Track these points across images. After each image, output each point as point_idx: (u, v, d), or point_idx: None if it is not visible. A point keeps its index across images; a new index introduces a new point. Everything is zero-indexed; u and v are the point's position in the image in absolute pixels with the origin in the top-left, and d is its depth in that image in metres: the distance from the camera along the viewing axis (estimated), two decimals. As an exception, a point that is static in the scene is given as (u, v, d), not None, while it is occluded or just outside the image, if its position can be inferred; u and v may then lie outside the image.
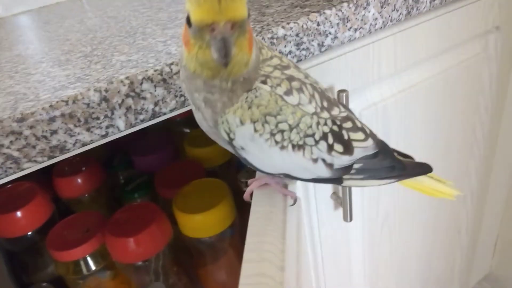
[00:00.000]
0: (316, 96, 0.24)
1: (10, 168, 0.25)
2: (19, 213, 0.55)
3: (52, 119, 0.25)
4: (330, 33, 0.35)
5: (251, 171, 0.50)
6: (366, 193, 0.49)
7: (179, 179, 0.60)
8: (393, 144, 0.49)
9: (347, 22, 0.35)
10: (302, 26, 0.33)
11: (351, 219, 0.44)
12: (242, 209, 0.54)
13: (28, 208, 0.55)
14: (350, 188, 0.43)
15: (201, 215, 0.50)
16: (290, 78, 0.23)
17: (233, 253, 0.57)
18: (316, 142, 0.23)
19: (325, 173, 0.24)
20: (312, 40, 0.34)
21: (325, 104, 0.24)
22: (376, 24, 0.37)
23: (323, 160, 0.24)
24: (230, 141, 0.23)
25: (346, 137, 0.24)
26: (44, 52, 0.39)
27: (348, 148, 0.24)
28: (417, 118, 0.50)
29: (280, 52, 0.33)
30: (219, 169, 0.67)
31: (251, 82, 0.22)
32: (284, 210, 0.23)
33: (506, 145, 0.68)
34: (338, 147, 0.24)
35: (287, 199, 0.25)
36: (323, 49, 0.35)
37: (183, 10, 0.45)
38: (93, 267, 0.54)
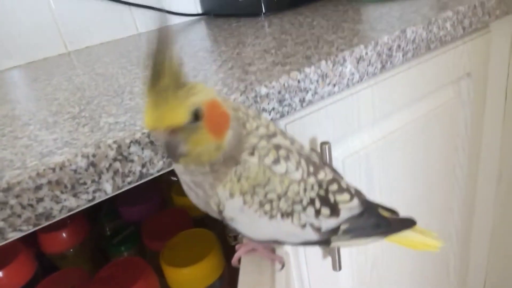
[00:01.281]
0: (303, 162, 0.24)
1: (-6, 239, 0.25)
2: (0, 273, 0.53)
3: (38, 187, 0.25)
4: (310, 89, 0.36)
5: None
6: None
7: (166, 230, 0.60)
8: (376, 189, 0.50)
9: (326, 78, 0.37)
10: (284, 84, 0.35)
11: (340, 268, 0.44)
12: (231, 258, 0.53)
13: (10, 268, 0.53)
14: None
15: (189, 268, 0.50)
16: (277, 147, 0.24)
17: (222, 305, 0.56)
18: (304, 208, 0.24)
19: (313, 236, 0.25)
20: (294, 97, 0.36)
21: (311, 169, 0.25)
22: (353, 78, 0.39)
23: (311, 225, 0.24)
24: (220, 212, 0.23)
25: (332, 200, 0.25)
26: (31, 113, 0.39)
27: (334, 210, 0.25)
28: (398, 162, 0.52)
29: (264, 109, 0.34)
30: (206, 217, 0.66)
31: (235, 157, 0.22)
32: (272, 276, 0.23)
33: (485, 184, 0.70)
34: (325, 210, 0.24)
35: (275, 264, 0.25)
36: (304, 104, 0.37)
37: (168, 67, 0.47)
38: (77, 328, 0.52)
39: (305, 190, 0.24)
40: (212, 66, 0.43)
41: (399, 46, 0.42)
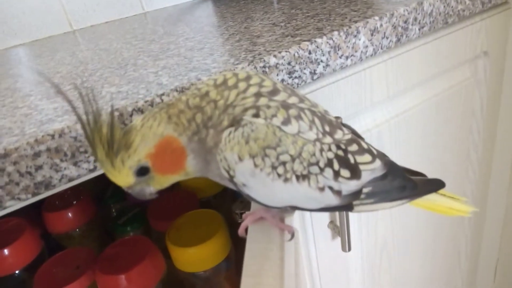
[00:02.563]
0: (317, 121, 0.23)
1: (-8, 206, 0.24)
2: (6, 251, 0.52)
3: (37, 154, 0.24)
4: (321, 61, 0.35)
5: (246, 202, 0.49)
6: (363, 221, 0.48)
7: (172, 211, 0.59)
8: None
9: (338, 50, 0.35)
10: (294, 54, 0.33)
11: (349, 249, 0.43)
12: (238, 241, 0.52)
13: (16, 246, 0.53)
14: (347, 216, 0.42)
15: (195, 248, 0.49)
16: (286, 106, 0.22)
17: (228, 287, 0.55)
18: (321, 169, 0.22)
19: (334, 201, 0.23)
20: (304, 68, 0.34)
21: (327, 128, 0.23)
22: (367, 51, 0.38)
23: (330, 188, 0.23)
24: (231, 178, 0.22)
25: (352, 161, 0.23)
26: (33, 85, 0.38)
27: (355, 172, 0.23)
28: (411, 142, 0.50)
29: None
30: (213, 199, 0.65)
31: (216, 145, 0.22)
32: (281, 246, 0.22)
33: (500, 167, 0.68)
34: (345, 172, 0.23)
35: (284, 234, 0.23)
36: (315, 77, 0.35)
37: (174, 41, 0.45)
38: (83, 307, 0.51)
39: (321, 150, 0.22)
40: (219, 39, 0.42)
41: (415, 19, 0.40)
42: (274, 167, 0.21)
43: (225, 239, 0.51)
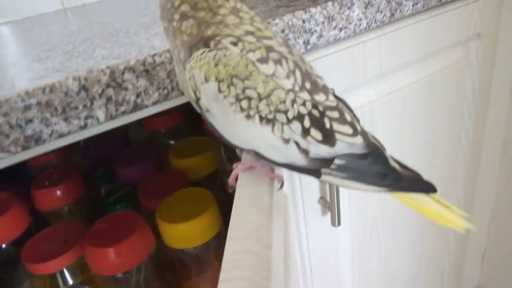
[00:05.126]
0: (298, 73, 0.22)
1: (-19, 159, 0.24)
2: (-9, 224, 0.52)
3: (27, 107, 0.24)
4: (315, 31, 0.35)
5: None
6: (353, 198, 0.48)
7: (163, 190, 0.59)
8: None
9: (332, 21, 0.35)
10: (288, 22, 0.33)
11: (339, 224, 0.43)
12: (227, 220, 0.52)
13: (2, 219, 0.53)
14: (338, 191, 0.42)
15: (185, 224, 0.49)
16: (269, 48, 0.22)
17: (218, 265, 0.55)
18: (289, 120, 0.22)
19: (299, 159, 0.22)
20: (298, 37, 0.34)
21: (308, 86, 0.23)
22: (360, 24, 0.38)
23: (296, 144, 0.22)
24: (197, 100, 0.22)
25: (328, 126, 0.23)
26: (25, 52, 0.38)
27: (328, 138, 0.22)
28: (403, 122, 0.51)
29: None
30: (204, 180, 0.65)
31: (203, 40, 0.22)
32: (270, 193, 0.22)
33: (490, 152, 0.69)
34: (316, 133, 0.22)
35: (273, 183, 0.23)
36: (308, 47, 0.35)
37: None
38: (70, 281, 0.51)
39: (293, 101, 0.22)
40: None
41: (409, -7, 0.40)
42: (238, 99, 0.21)
43: (215, 217, 0.51)
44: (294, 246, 0.43)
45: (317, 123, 0.22)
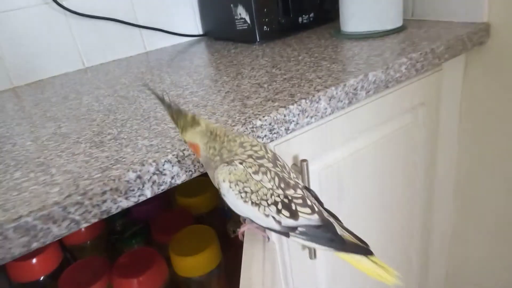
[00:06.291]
0: (276, 179, 0.36)
1: (72, 228, 0.36)
2: (34, 260, 0.64)
3: (104, 193, 0.37)
4: (293, 120, 0.49)
5: (237, 221, 0.62)
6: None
7: (172, 225, 0.71)
8: (346, 196, 0.63)
9: (305, 112, 0.49)
10: (273, 117, 0.47)
11: (315, 257, 0.57)
12: (227, 251, 0.65)
13: (42, 256, 0.64)
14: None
15: (193, 257, 0.61)
16: (260, 165, 0.36)
17: (219, 290, 0.68)
18: (268, 204, 0.35)
19: (275, 226, 0.36)
20: (281, 127, 0.48)
21: (282, 185, 0.36)
22: (326, 112, 0.52)
23: (273, 217, 0.35)
24: (219, 189, 0.36)
25: (294, 208, 0.36)
26: (77, 132, 0.50)
27: (294, 215, 0.35)
28: (365, 174, 0.64)
29: (258, 137, 0.46)
30: (206, 215, 0.78)
31: (226, 162, 0.36)
32: (263, 243, 0.36)
33: (440, 190, 0.83)
34: (285, 212, 0.35)
35: (265, 238, 0.38)
36: (288, 131, 0.49)
37: (182, 94, 0.58)
38: (97, 307, 0.63)
39: (272, 194, 0.35)
40: (218, 97, 0.55)
41: (362, 86, 0.54)
42: (240, 192, 0.35)
43: (217, 250, 0.64)
44: (280, 276, 0.56)
45: (286, 206, 0.36)
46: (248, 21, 0.83)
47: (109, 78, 0.76)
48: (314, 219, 0.36)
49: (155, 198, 0.81)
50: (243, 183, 0.35)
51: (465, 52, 0.69)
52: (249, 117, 0.46)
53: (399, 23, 0.74)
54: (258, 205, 0.35)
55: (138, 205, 0.81)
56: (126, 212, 0.81)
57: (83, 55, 0.89)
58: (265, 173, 0.35)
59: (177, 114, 0.36)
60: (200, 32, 1.04)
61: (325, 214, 0.38)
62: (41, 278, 0.65)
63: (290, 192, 0.36)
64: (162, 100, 0.36)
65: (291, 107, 0.48)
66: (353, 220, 0.64)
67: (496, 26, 0.70)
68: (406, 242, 0.81)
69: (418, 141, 0.72)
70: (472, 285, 0.95)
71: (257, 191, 0.35)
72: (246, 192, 0.35)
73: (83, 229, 0.74)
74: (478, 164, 0.82)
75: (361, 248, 0.37)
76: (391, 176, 0.70)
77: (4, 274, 0.66)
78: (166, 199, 0.83)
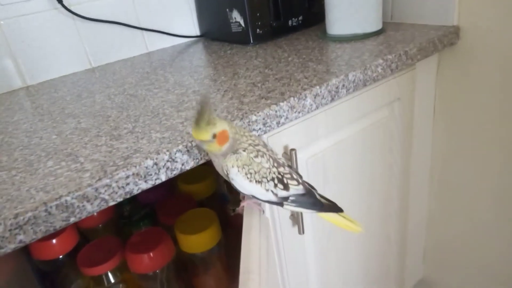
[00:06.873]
0: (271, 160, 0.44)
1: (102, 205, 0.44)
2: (54, 241, 0.72)
3: (127, 177, 0.45)
4: (283, 115, 0.57)
5: (236, 201, 0.71)
6: (314, 214, 0.71)
7: (176, 209, 0.80)
8: (331, 181, 0.71)
9: (294, 108, 0.58)
10: (266, 113, 0.55)
11: (303, 232, 0.66)
12: (226, 231, 0.74)
13: (61, 237, 0.72)
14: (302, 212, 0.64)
15: (196, 235, 0.70)
16: (258, 151, 0.44)
17: (219, 265, 0.77)
18: (268, 181, 0.44)
19: (273, 198, 0.44)
20: (272, 121, 0.56)
21: (276, 165, 0.45)
22: (312, 107, 0.60)
23: (271, 191, 0.44)
24: (227, 175, 0.44)
25: (285, 181, 0.45)
26: (96, 127, 0.58)
27: (286, 187, 0.44)
28: (347, 161, 0.73)
29: (253, 130, 0.54)
30: (206, 200, 0.87)
31: (228, 153, 0.43)
32: (259, 215, 0.45)
33: (416, 175, 0.93)
34: (280, 185, 0.44)
35: (260, 211, 0.47)
36: (279, 125, 0.57)
37: (185, 93, 0.67)
38: (112, 280, 0.71)
39: (269, 173, 0.44)
40: (217, 95, 0.63)
41: (343, 85, 0.63)
42: (246, 174, 0.43)
43: (217, 229, 0.72)
44: (273, 248, 0.65)
45: (280, 180, 0.45)
46: (243, 24, 0.90)
47: (117, 77, 0.84)
48: (300, 189, 0.46)
49: (160, 185, 0.90)
50: (248, 166, 0.43)
51: (437, 52, 0.78)
52: (246, 113, 0.54)
53: (378, 26, 0.82)
54: (260, 182, 0.44)
55: (144, 192, 0.90)
56: (132, 199, 0.90)
57: (90, 56, 0.96)
58: (262, 156, 0.44)
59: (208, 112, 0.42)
60: (198, 33, 1.12)
61: (307, 184, 0.47)
62: (61, 256, 0.74)
63: (281, 169, 0.45)
64: (206, 103, 0.41)
65: (281, 104, 0.56)
66: (337, 202, 0.73)
67: (465, 29, 0.79)
68: (385, 222, 0.90)
69: (394, 132, 0.81)
70: (448, 263, 1.05)
71: (259, 171, 0.43)
72: (250, 173, 0.43)
73: (95, 214, 0.82)
74: (451, 151, 0.92)
75: (335, 207, 0.47)
76: (371, 163, 0.79)
77: (25, 253, 0.74)
78: (169, 186, 0.91)
